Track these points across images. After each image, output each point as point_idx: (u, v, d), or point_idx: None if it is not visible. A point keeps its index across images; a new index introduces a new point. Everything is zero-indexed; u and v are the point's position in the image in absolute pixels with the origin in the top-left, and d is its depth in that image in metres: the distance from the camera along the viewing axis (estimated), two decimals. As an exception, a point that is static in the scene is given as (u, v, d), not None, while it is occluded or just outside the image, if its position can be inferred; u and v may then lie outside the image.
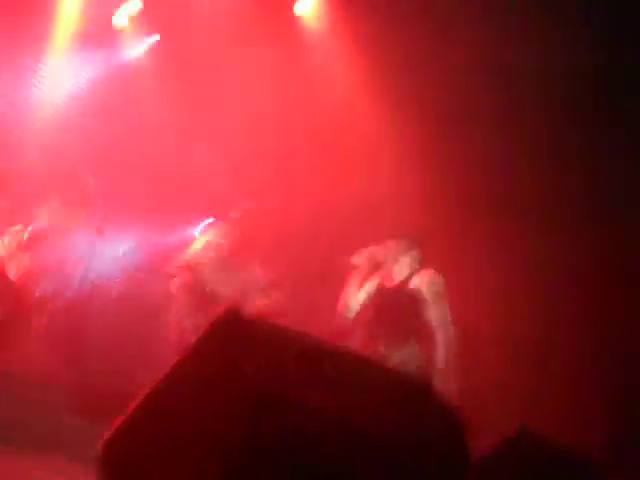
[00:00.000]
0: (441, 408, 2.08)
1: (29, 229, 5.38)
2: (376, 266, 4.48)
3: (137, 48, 7.38)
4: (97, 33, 7.04)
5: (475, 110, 5.48)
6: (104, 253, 5.51)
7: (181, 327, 4.84)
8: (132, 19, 7.06)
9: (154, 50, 7.35)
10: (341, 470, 1.84)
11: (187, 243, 5.43)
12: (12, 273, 5.13)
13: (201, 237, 5.19)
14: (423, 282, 4.29)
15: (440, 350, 4.13)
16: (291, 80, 6.43)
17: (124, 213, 5.86)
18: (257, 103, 6.48)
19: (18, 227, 5.36)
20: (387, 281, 4.48)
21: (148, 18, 7.07)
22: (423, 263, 4.42)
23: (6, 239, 5.24)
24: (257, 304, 4.80)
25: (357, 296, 4.52)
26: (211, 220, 5.92)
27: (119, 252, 5.41)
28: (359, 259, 4.49)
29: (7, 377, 4.32)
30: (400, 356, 4.20)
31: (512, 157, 5.39)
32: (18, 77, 6.88)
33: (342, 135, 6.21)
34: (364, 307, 4.50)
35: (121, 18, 7.03)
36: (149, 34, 7.29)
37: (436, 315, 4.21)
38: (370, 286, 4.57)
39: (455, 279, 4.89)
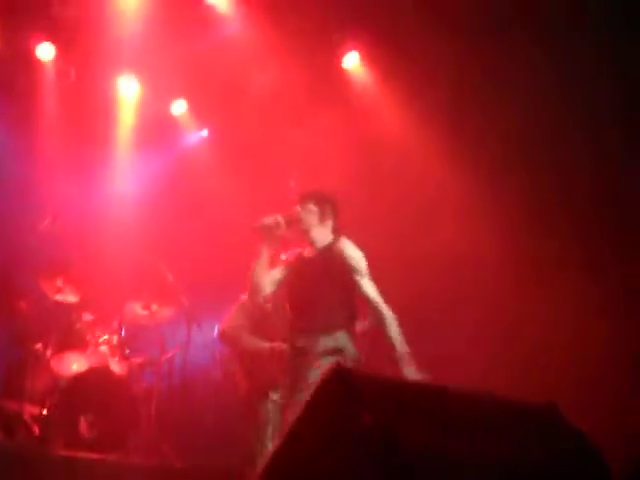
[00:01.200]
0: (569, 430, 2.06)
1: (124, 328, 5.62)
2: (290, 227, 3.72)
3: (193, 141, 7.75)
4: (153, 131, 7.42)
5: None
6: (198, 340, 5.68)
7: None
8: (183, 116, 7.45)
9: (209, 141, 7.68)
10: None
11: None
12: (117, 368, 5.34)
13: None
14: (352, 249, 3.67)
15: (393, 330, 3.48)
16: (347, 134, 6.33)
17: (207, 301, 6.03)
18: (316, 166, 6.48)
19: (114, 325, 5.59)
20: (308, 249, 3.81)
21: (197, 113, 7.41)
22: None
23: (105, 337, 5.47)
24: None
25: (271, 271, 3.74)
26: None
27: (212, 337, 5.56)
28: (270, 219, 3.67)
29: (123, 469, 4.46)
30: (326, 343, 3.52)
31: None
32: (87, 180, 7.23)
33: (416, 184, 6.06)
34: (282, 283, 3.77)
35: (175, 113, 7.42)
36: (201, 127, 7.65)
37: (372, 289, 3.58)
38: (288, 255, 3.90)
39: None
